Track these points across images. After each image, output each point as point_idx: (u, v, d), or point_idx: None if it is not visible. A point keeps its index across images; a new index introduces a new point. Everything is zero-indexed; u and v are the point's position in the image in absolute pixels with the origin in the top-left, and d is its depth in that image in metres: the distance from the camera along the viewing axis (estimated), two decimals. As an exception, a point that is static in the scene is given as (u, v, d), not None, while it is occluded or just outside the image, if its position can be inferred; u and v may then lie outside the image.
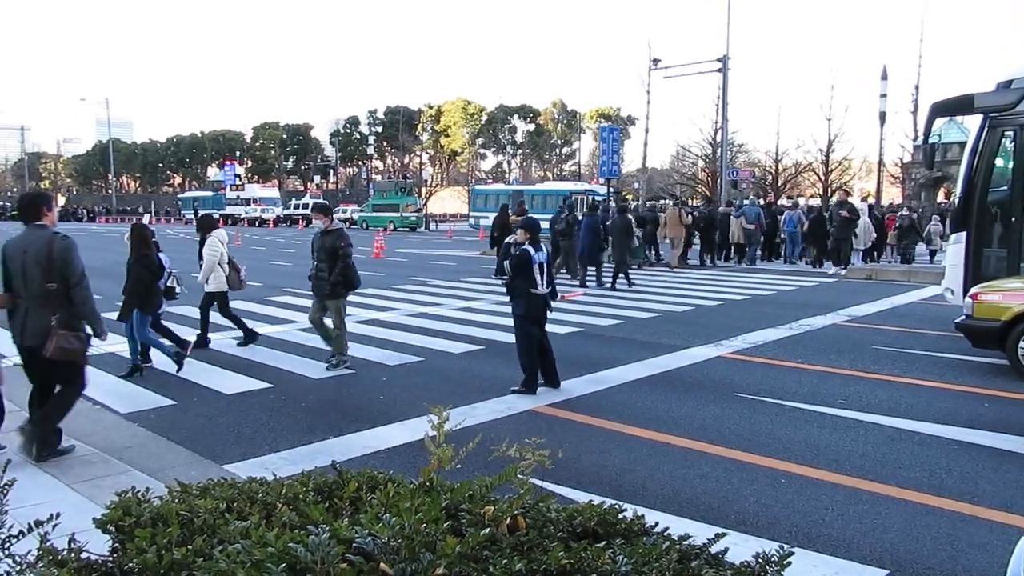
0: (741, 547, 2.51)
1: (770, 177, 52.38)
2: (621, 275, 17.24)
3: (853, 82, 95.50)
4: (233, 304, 13.96)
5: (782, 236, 24.50)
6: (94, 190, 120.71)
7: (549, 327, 11.49)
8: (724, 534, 2.01)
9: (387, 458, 5.68)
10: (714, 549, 1.87)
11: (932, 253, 24.28)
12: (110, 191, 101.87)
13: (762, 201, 30.82)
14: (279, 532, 1.71)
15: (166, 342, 8.66)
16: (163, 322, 9.08)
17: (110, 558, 1.99)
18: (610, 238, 18.61)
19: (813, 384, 8.17)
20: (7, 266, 5.46)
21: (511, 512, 1.83)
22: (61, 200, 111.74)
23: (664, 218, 22.85)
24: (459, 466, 2.21)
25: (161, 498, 2.10)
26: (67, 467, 5.33)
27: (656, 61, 35.24)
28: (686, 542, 1.85)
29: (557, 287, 8.44)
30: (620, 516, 1.99)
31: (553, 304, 8.11)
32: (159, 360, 9.08)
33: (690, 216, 23.08)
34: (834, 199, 26.67)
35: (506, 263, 8.03)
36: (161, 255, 8.70)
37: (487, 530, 1.69)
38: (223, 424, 6.73)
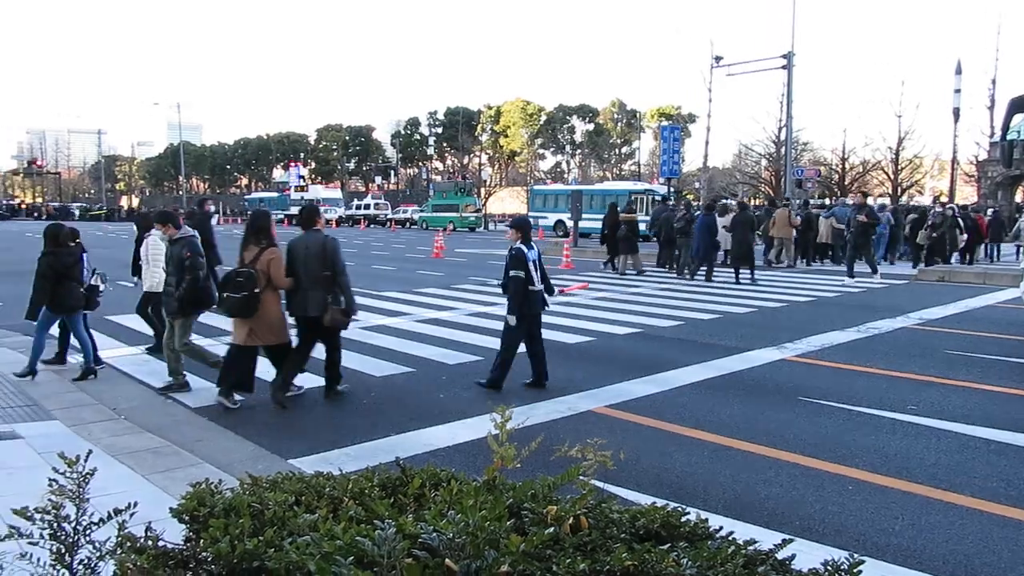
0: (807, 554, 2.46)
1: (836, 176, 51.08)
2: (719, 268, 18.72)
3: (925, 77, 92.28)
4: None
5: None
6: (165, 191, 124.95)
7: (610, 327, 11.49)
8: (790, 540, 1.98)
9: (447, 456, 5.73)
10: (780, 555, 1.83)
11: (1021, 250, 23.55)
12: (181, 192, 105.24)
13: (828, 201, 30.20)
14: (346, 526, 1.74)
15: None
16: (91, 331, 8.58)
17: (184, 547, 2.06)
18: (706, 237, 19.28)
19: (882, 389, 7.94)
20: (292, 258, 7.44)
21: (574, 512, 1.83)
22: (135, 201, 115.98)
23: (773, 218, 23.04)
24: (519, 465, 2.22)
25: (232, 490, 2.16)
26: (142, 459, 5.54)
27: (718, 59, 34.74)
28: (751, 547, 1.82)
29: (553, 283, 8.57)
30: (684, 519, 1.97)
31: (549, 299, 8.31)
32: (221, 354, 9.36)
33: (798, 217, 23.02)
34: (849, 200, 25.65)
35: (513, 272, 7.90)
36: (83, 255, 8.35)
37: (551, 529, 1.70)
38: (288, 419, 6.89)
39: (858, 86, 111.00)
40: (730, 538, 1.86)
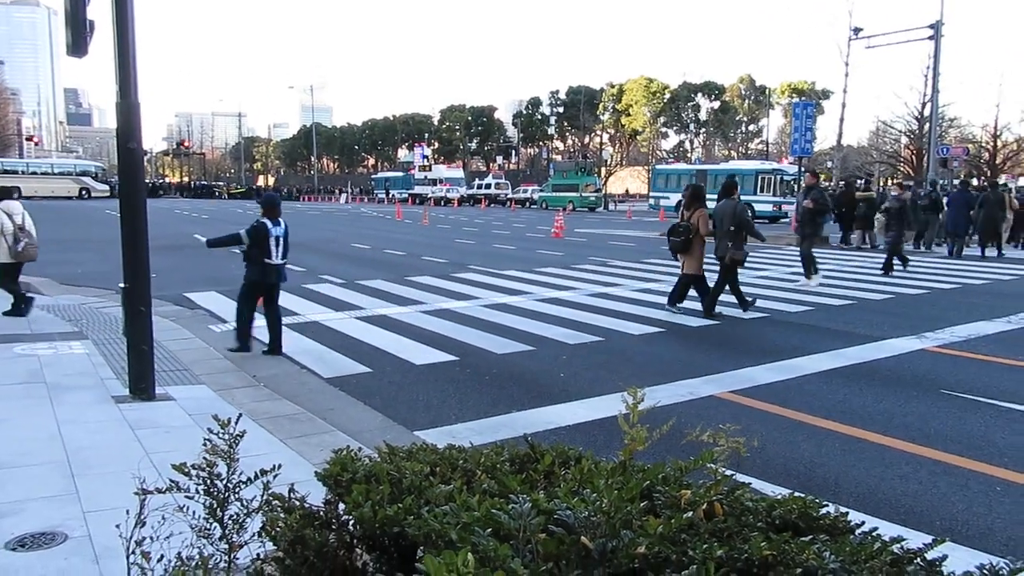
0: (950, 555, 2.32)
1: (986, 154, 47.36)
2: (990, 244, 20.15)
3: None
4: (421, 279, 14.70)
5: None
6: (299, 171, 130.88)
7: (735, 311, 11.18)
8: (942, 540, 1.87)
9: (567, 435, 5.75)
10: (930, 555, 1.74)
11: None
12: (312, 172, 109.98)
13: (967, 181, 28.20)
14: (480, 498, 1.79)
15: None
16: None
17: (325, 508, 2.17)
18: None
19: (1036, 385, 7.35)
20: (715, 217, 11.01)
21: (708, 498, 1.80)
22: (271, 180, 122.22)
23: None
24: (641, 448, 2.19)
25: (371, 458, 2.26)
26: (279, 424, 5.86)
27: (857, 30, 32.79)
28: (898, 545, 1.73)
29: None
30: (823, 511, 1.90)
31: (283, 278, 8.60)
32: (359, 331, 9.76)
33: (1016, 201, 23.06)
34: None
35: None
36: None
37: (688, 514, 1.68)
38: (413, 393, 7.11)
39: (1015, 56, 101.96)
40: (874, 534, 1.78)
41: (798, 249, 15.37)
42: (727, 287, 11.07)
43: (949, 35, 39.70)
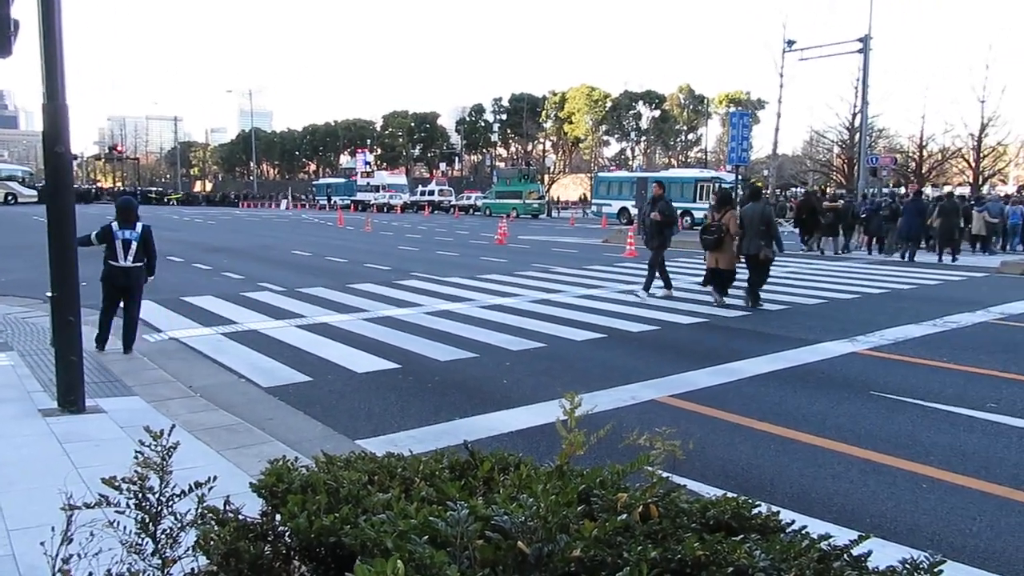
0: (879, 552, 2.39)
1: (913, 164, 49.22)
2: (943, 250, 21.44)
3: (1012, 60, 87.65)
4: (363, 287, 14.57)
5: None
6: (237, 177, 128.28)
7: (674, 316, 11.38)
8: (866, 536, 1.93)
9: (510, 441, 5.76)
10: (856, 551, 1.79)
11: None
12: (251, 177, 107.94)
13: (902, 190, 29.49)
14: (419, 506, 1.78)
15: None
16: None
17: (262, 520, 2.13)
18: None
19: (960, 385, 7.66)
20: (743, 218, 12.34)
21: (644, 500, 1.82)
22: (208, 186, 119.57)
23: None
24: (580, 453, 2.21)
25: (308, 468, 2.22)
26: (216, 435, 5.73)
27: (791, 43, 33.85)
28: (826, 542, 1.78)
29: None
30: (755, 511, 1.95)
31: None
32: (299, 339, 9.61)
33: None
34: (1001, 191, 26.54)
35: None
36: None
37: (624, 516, 1.70)
38: (355, 401, 7.03)
39: (939, 70, 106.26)
40: (803, 532, 1.83)
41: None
42: (758, 280, 12.50)
43: (878, 49, 41.22)
